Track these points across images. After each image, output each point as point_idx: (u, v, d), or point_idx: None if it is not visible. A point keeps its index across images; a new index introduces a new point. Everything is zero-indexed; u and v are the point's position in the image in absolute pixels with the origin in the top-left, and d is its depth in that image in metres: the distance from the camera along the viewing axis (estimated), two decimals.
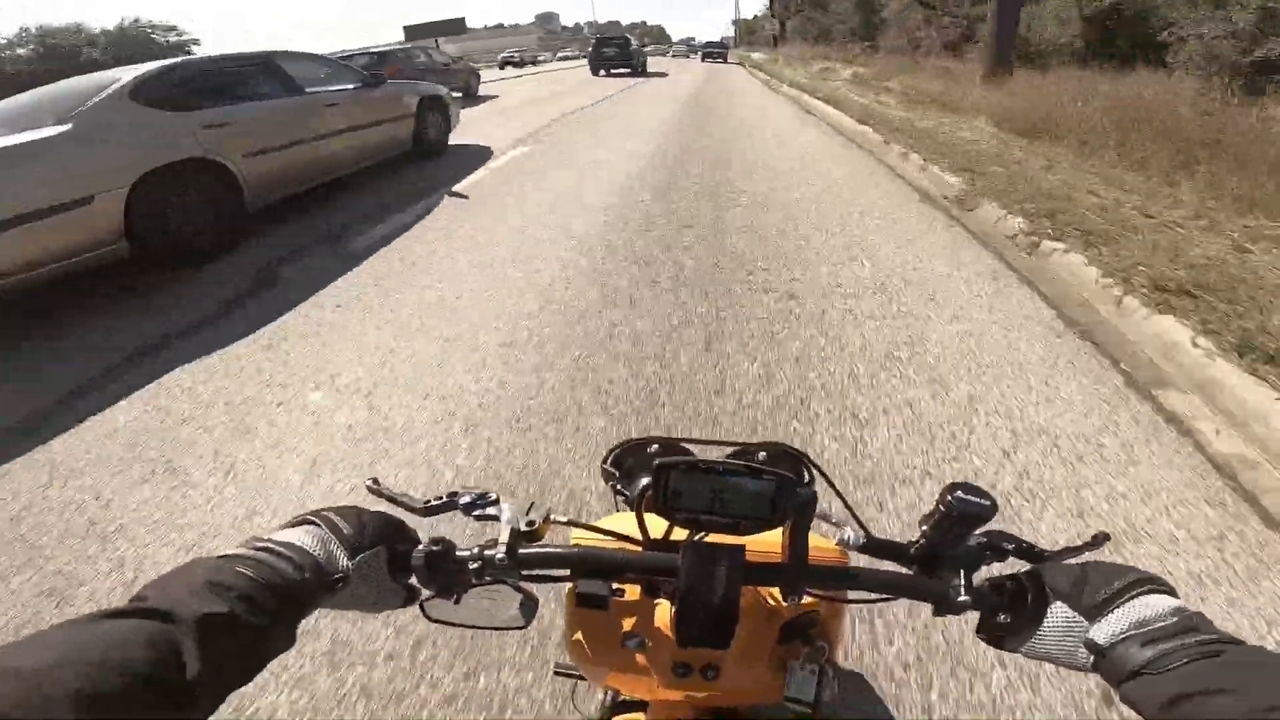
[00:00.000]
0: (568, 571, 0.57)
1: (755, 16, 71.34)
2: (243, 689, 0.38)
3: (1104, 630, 0.42)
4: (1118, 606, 0.42)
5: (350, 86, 5.69)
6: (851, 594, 0.58)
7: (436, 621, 0.56)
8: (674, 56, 49.73)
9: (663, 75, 23.11)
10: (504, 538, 0.53)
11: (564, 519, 0.60)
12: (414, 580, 0.54)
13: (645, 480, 0.59)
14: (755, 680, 0.63)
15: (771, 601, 0.65)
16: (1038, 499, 1.76)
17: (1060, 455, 1.93)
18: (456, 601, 0.55)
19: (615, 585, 0.63)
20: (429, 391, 2.40)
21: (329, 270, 3.75)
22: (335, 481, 1.95)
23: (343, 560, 0.47)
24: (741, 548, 0.52)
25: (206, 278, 3.71)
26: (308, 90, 5.06)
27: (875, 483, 1.85)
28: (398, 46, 14.44)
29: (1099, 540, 0.54)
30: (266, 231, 4.50)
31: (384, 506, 0.56)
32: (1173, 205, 3.87)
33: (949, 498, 0.51)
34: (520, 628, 0.56)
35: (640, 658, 0.63)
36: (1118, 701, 0.42)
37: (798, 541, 0.54)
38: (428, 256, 3.92)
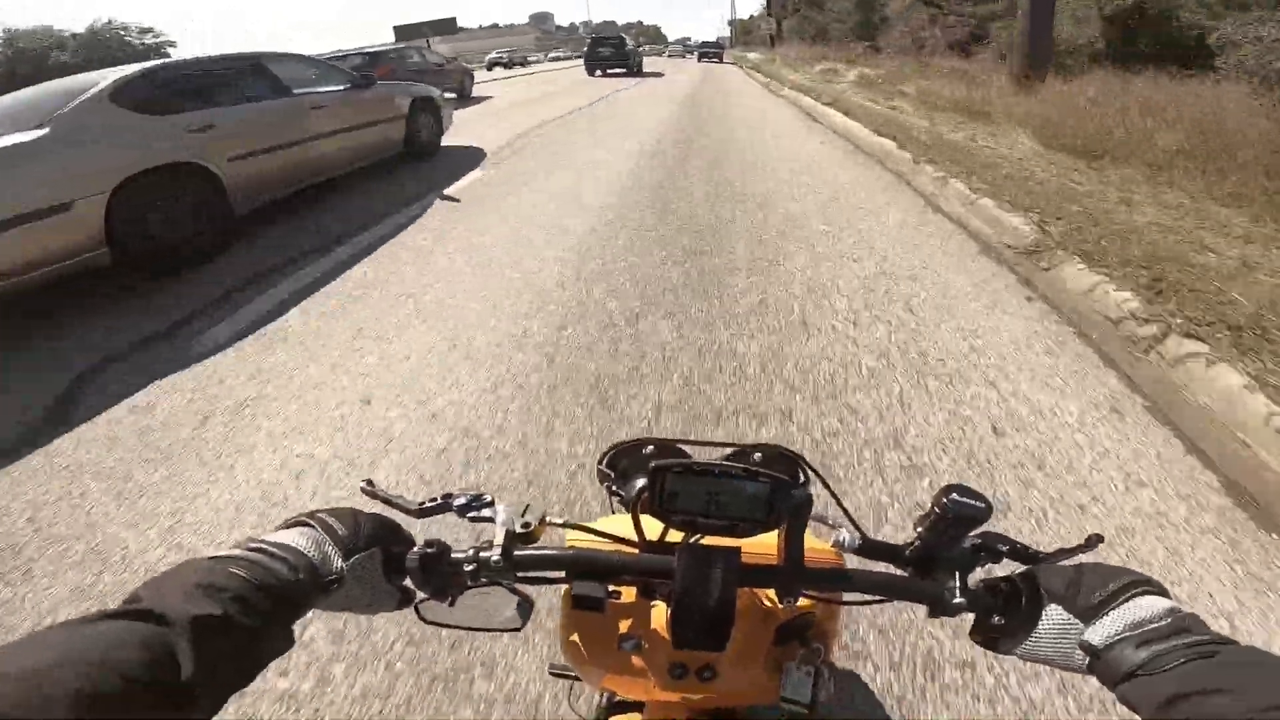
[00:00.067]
0: (563, 573, 0.57)
1: (751, 16, 71.56)
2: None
3: (1099, 632, 0.42)
4: (1112, 608, 0.43)
5: (340, 88, 5.64)
6: (847, 595, 0.58)
7: (431, 623, 0.56)
8: (670, 56, 49.93)
9: (659, 75, 23.14)
10: (499, 539, 0.54)
11: (559, 521, 0.60)
12: (409, 582, 0.54)
13: (641, 482, 0.59)
14: (751, 682, 0.63)
15: (767, 603, 0.65)
16: None
17: None
18: (451, 603, 0.55)
19: (611, 587, 0.62)
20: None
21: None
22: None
23: (337, 561, 0.47)
24: (737, 550, 0.53)
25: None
26: (296, 92, 5.01)
27: None
28: (390, 47, 14.35)
29: (1092, 542, 0.54)
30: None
31: (378, 508, 0.56)
32: None
33: (944, 500, 0.52)
34: (516, 629, 0.57)
35: (636, 659, 0.63)
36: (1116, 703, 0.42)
37: (793, 543, 0.54)
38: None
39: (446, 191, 5.56)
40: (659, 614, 0.64)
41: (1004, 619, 0.49)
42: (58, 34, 27.13)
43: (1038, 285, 3.15)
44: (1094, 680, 0.43)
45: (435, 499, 0.58)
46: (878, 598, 0.56)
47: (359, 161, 5.82)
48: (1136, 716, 0.39)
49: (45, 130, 3.25)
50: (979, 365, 2.46)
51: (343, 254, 4.06)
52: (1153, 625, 0.41)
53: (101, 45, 26.97)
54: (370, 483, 0.58)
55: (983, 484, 1.83)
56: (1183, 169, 4.46)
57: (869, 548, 0.57)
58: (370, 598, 0.51)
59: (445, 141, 7.59)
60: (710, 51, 36.71)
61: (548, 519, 0.57)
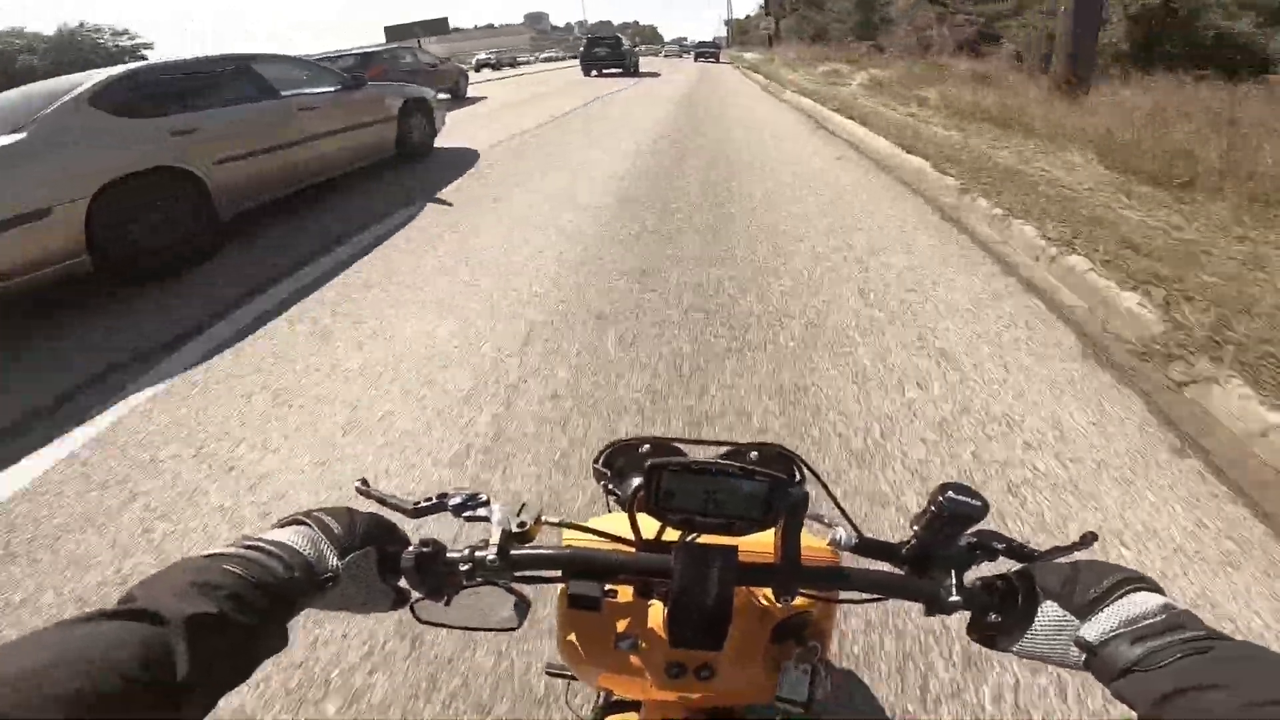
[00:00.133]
0: (559, 572, 0.57)
1: (748, 16, 71.72)
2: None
3: (1094, 628, 0.43)
4: (1107, 605, 0.43)
5: (329, 89, 5.60)
6: (843, 594, 0.58)
7: (427, 623, 0.56)
8: (666, 56, 50.23)
9: (655, 75, 23.15)
10: (495, 539, 0.54)
11: (555, 520, 0.61)
12: (404, 582, 0.54)
13: (637, 480, 0.59)
14: (748, 680, 0.64)
15: (764, 602, 0.66)
16: None
17: None
18: (447, 603, 0.55)
19: (608, 586, 0.63)
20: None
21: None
22: None
23: (332, 560, 0.48)
24: (734, 548, 0.53)
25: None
26: (283, 94, 4.96)
27: None
28: (383, 48, 14.30)
29: (1088, 540, 0.54)
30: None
31: (373, 508, 0.56)
32: None
33: (940, 498, 0.52)
34: (512, 629, 0.57)
35: (634, 658, 0.64)
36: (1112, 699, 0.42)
37: (790, 542, 0.54)
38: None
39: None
40: (656, 613, 0.65)
41: (1000, 617, 0.50)
42: (29, 36, 26.66)
43: (1182, 422, 2.07)
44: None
45: (431, 498, 0.58)
46: (874, 596, 0.56)
47: (350, 164, 5.78)
48: (1133, 713, 0.39)
49: (23, 134, 3.21)
50: None
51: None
52: (1147, 621, 0.41)
53: (73, 48, 26.55)
54: (365, 482, 0.58)
55: None
56: None
57: (865, 546, 0.58)
58: (365, 597, 0.51)
59: (438, 143, 7.55)
60: (707, 51, 37.94)
61: (544, 518, 0.58)
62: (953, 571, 0.52)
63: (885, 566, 0.58)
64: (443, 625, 0.57)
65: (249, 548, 0.44)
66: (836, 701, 1.27)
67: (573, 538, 0.64)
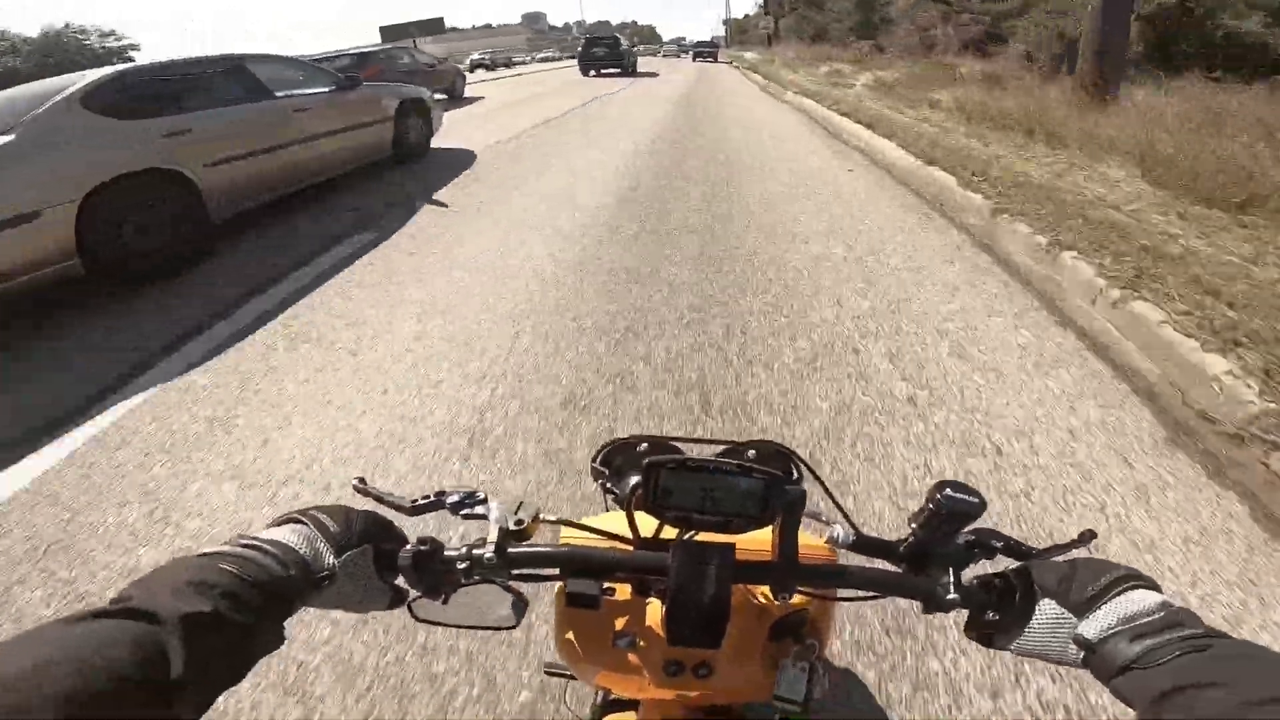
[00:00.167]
0: (557, 571, 0.57)
1: (746, 16, 71.81)
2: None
3: (1092, 626, 0.43)
4: (1105, 602, 0.43)
5: (323, 90, 5.58)
6: (841, 592, 0.58)
7: (424, 621, 0.57)
8: (664, 56, 50.30)
9: (654, 75, 23.14)
10: (492, 537, 0.54)
11: (553, 518, 0.62)
12: (401, 581, 0.54)
13: (635, 479, 0.59)
14: (746, 679, 0.64)
15: (762, 600, 0.66)
16: None
17: None
18: (445, 601, 0.55)
19: (606, 584, 0.63)
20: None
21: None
22: None
23: (329, 558, 0.48)
24: (731, 546, 0.53)
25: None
26: (277, 94, 4.94)
27: None
28: (379, 48, 14.28)
29: (1086, 538, 0.54)
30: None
31: (370, 506, 0.57)
32: None
33: (938, 495, 0.52)
34: (510, 627, 0.57)
35: (632, 657, 0.64)
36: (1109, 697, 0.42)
37: (787, 540, 0.54)
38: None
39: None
40: (654, 611, 0.64)
41: (998, 615, 0.50)
42: (12, 38, 26.18)
43: None
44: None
45: (428, 496, 0.58)
46: (872, 594, 0.56)
47: (345, 165, 5.75)
48: (1131, 711, 0.39)
49: (11, 136, 3.18)
50: None
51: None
52: (1146, 619, 0.41)
53: (58, 49, 26.14)
54: (362, 480, 0.58)
55: None
56: None
57: (863, 544, 0.58)
58: (362, 595, 0.51)
59: (435, 143, 7.53)
60: (705, 51, 38.51)
61: (541, 516, 0.58)
62: (950, 569, 0.52)
63: (883, 564, 0.58)
64: (440, 624, 0.57)
65: (245, 546, 0.44)
66: (834, 700, 1.27)
67: (570, 536, 0.65)
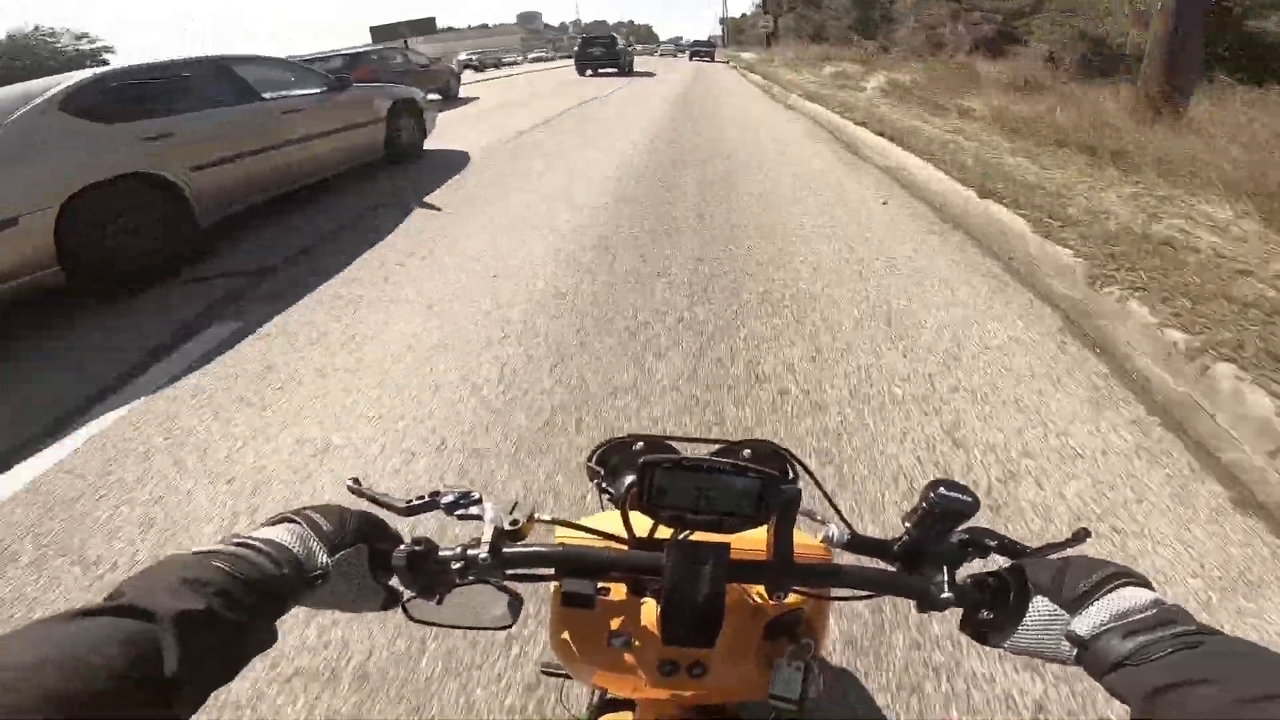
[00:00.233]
0: (552, 571, 0.57)
1: (744, 15, 71.89)
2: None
3: (1085, 622, 0.43)
4: (1098, 599, 0.44)
5: (313, 91, 5.53)
6: (836, 591, 0.59)
7: (419, 622, 0.56)
8: (661, 55, 50.60)
9: (650, 75, 23.14)
10: (487, 537, 0.54)
11: (548, 518, 0.62)
12: (395, 581, 0.54)
13: (630, 478, 0.59)
14: (741, 678, 0.64)
15: (757, 599, 0.67)
16: None
17: None
18: (439, 602, 0.55)
19: (601, 584, 0.64)
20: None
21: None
22: None
23: (322, 557, 0.48)
24: (726, 546, 0.54)
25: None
26: (265, 96, 4.88)
27: None
28: (372, 48, 14.24)
29: (1080, 536, 0.54)
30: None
31: (365, 506, 0.57)
32: None
33: (931, 494, 0.53)
34: (505, 627, 0.57)
35: (627, 656, 0.64)
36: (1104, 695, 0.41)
37: (782, 539, 0.55)
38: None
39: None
40: (649, 610, 0.65)
41: (992, 613, 0.50)
42: None
43: None
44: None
45: (423, 497, 0.58)
46: (867, 593, 0.57)
47: (336, 167, 5.71)
48: (1125, 708, 0.39)
49: None
50: None
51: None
52: (1138, 616, 0.41)
53: (27, 52, 25.60)
54: (357, 481, 0.58)
55: None
56: None
57: (858, 543, 0.58)
58: (356, 594, 0.51)
59: (429, 144, 7.49)
60: (702, 50, 39.36)
61: (536, 516, 0.58)
62: (944, 568, 0.53)
63: (877, 563, 0.58)
64: (435, 624, 0.57)
65: (238, 545, 0.44)
66: (829, 699, 1.27)
67: (565, 535, 0.65)
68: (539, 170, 6.51)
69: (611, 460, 0.65)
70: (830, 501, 0.62)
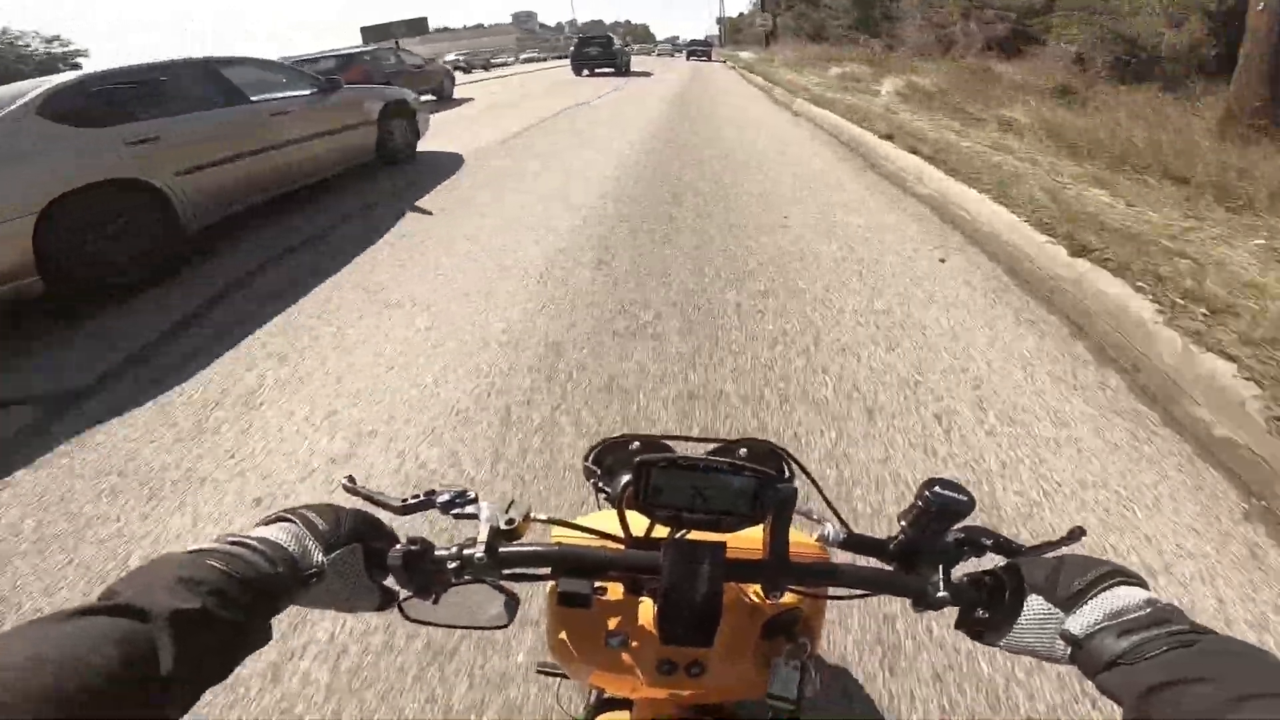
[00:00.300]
0: (549, 570, 0.58)
1: (741, 14, 72.04)
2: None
3: (1079, 621, 0.43)
4: (1092, 597, 0.44)
5: (303, 93, 5.49)
6: (832, 590, 0.59)
7: (415, 621, 0.57)
8: (658, 55, 50.78)
9: (647, 74, 23.15)
10: (483, 536, 0.54)
11: (544, 517, 0.62)
12: (391, 581, 0.54)
13: (626, 477, 0.59)
14: (739, 677, 0.65)
15: (754, 598, 0.67)
16: None
17: None
18: (435, 601, 0.56)
19: (598, 583, 0.64)
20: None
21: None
22: None
23: (317, 555, 0.48)
24: (723, 545, 0.54)
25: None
26: (253, 98, 4.83)
27: None
28: (364, 49, 14.18)
29: (1075, 535, 0.54)
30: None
31: (360, 505, 0.57)
32: None
33: (927, 493, 0.53)
34: (502, 627, 0.58)
35: (624, 656, 0.65)
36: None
37: (778, 538, 0.55)
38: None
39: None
40: (646, 610, 0.65)
41: (988, 612, 0.50)
42: None
43: None
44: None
45: (418, 495, 0.58)
46: (863, 592, 0.57)
47: (326, 170, 5.66)
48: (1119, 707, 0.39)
49: None
50: None
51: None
52: (1132, 615, 0.41)
53: None
54: (352, 479, 0.59)
55: None
56: None
57: (853, 542, 0.58)
58: (351, 594, 0.51)
59: (422, 146, 7.43)
60: (698, 50, 39.58)
61: (532, 515, 0.58)
62: (940, 567, 0.53)
63: (874, 562, 0.58)
64: (431, 624, 0.57)
65: (233, 544, 0.44)
66: (827, 698, 1.28)
67: (562, 535, 0.65)
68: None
69: (607, 459, 0.65)
70: (827, 500, 0.62)
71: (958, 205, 4.36)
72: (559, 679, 1.17)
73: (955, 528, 0.55)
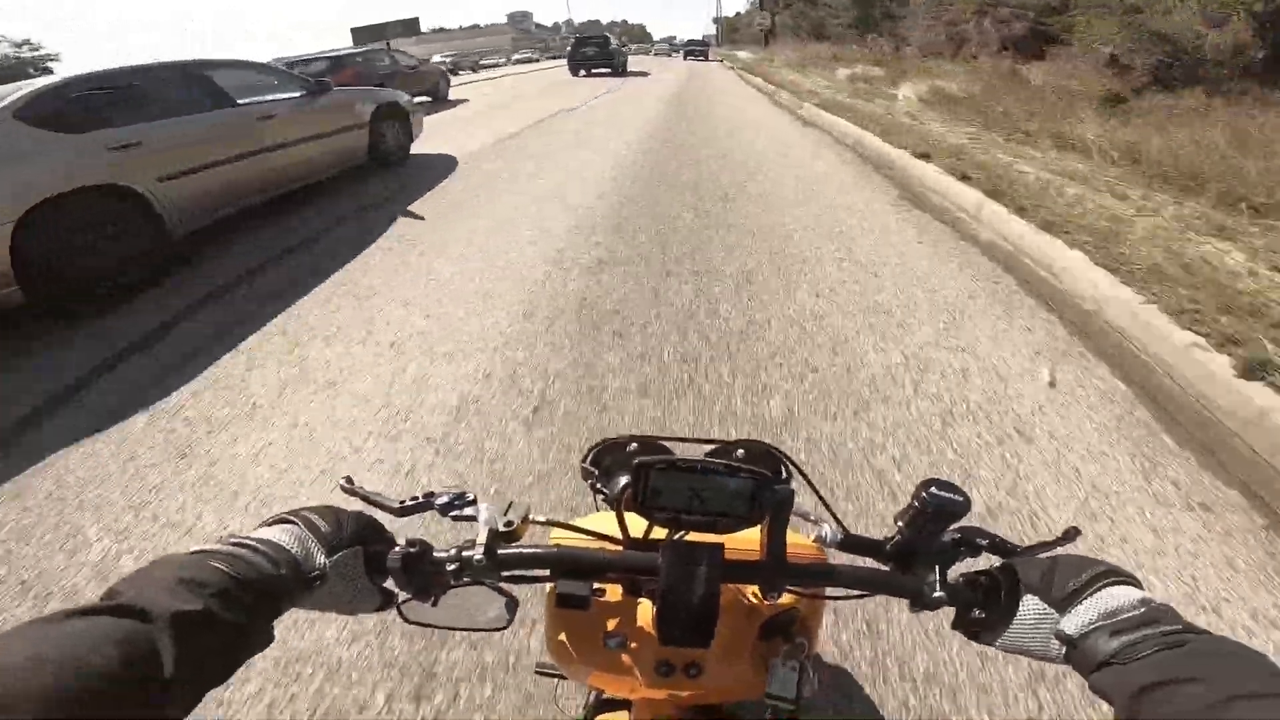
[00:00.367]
0: (547, 572, 0.58)
1: (738, 14, 72.17)
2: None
3: (1074, 621, 0.44)
4: (1086, 597, 0.45)
5: (292, 95, 5.44)
6: (829, 591, 0.59)
7: (414, 623, 0.58)
8: (655, 55, 50.97)
9: (644, 74, 23.16)
10: (481, 538, 0.55)
11: (542, 519, 0.64)
12: (390, 583, 0.55)
13: (624, 479, 0.60)
14: (737, 678, 0.65)
15: (752, 599, 0.68)
16: None
17: None
18: (434, 603, 0.57)
19: (596, 585, 0.65)
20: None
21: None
22: None
23: (320, 558, 0.48)
24: (720, 546, 0.54)
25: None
26: (240, 102, 4.78)
27: None
28: (357, 50, 14.11)
29: (1070, 535, 0.55)
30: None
31: (359, 507, 0.58)
32: None
33: (923, 494, 0.55)
34: (501, 628, 0.59)
35: (623, 657, 0.66)
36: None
37: (775, 539, 0.56)
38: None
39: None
40: (644, 611, 0.66)
41: (984, 612, 0.51)
42: None
43: None
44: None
45: (417, 497, 0.59)
46: (860, 593, 0.58)
47: (317, 173, 5.61)
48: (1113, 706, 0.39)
49: None
50: None
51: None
52: (1125, 615, 0.42)
53: None
54: (350, 481, 0.59)
55: None
56: None
57: (851, 543, 0.59)
58: (351, 595, 0.52)
59: (415, 148, 7.39)
60: (695, 50, 40.04)
61: (531, 517, 0.59)
62: (936, 567, 0.54)
63: (871, 563, 0.59)
64: (430, 626, 0.58)
65: (236, 545, 0.44)
66: (825, 698, 1.30)
67: (560, 536, 0.66)
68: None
69: (605, 461, 0.65)
70: (824, 502, 0.63)
71: (1040, 263, 3.18)
72: (558, 680, 1.19)
73: (951, 528, 0.56)
